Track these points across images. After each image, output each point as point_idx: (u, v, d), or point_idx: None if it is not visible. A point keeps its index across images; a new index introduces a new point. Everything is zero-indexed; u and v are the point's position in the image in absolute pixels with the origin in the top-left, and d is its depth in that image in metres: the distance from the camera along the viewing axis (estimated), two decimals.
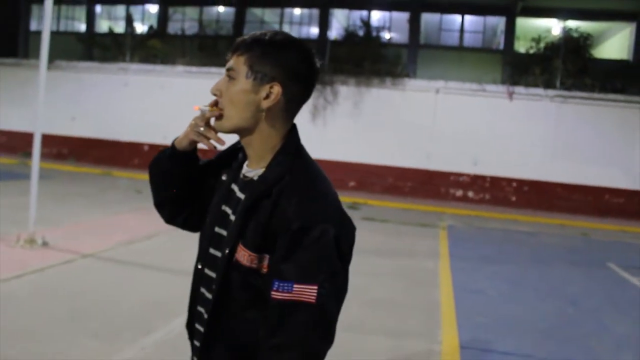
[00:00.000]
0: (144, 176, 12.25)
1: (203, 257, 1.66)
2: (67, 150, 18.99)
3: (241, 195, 1.54)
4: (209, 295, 1.58)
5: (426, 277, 7.49)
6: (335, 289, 1.40)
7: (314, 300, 1.36)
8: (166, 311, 5.13)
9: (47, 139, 16.98)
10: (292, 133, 1.53)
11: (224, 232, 1.56)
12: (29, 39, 27.17)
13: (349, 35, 19.86)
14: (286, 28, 25.68)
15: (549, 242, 11.56)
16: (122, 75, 18.75)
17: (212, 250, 1.61)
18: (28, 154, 14.84)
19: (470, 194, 16.57)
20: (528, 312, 6.28)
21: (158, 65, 18.71)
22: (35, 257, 6.58)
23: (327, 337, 1.40)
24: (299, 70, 1.47)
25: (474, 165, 16.45)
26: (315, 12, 24.69)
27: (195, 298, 1.69)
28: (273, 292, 1.38)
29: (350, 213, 1.49)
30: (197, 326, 1.65)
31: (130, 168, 18.01)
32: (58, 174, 15.15)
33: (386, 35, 22.92)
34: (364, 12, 23.15)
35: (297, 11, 25.53)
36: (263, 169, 1.50)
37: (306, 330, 1.36)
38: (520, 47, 21.67)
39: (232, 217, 1.54)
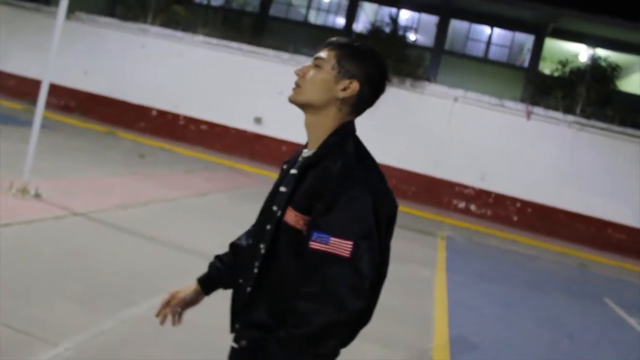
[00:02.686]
0: (148, 140, 12.06)
1: (255, 234, 1.81)
2: (75, 103, 18.72)
3: (296, 172, 1.71)
4: (254, 267, 1.70)
5: (421, 287, 7.27)
6: (369, 250, 1.51)
7: (348, 255, 1.48)
8: (150, 285, 4.91)
9: (56, 90, 16.80)
10: (350, 123, 1.73)
11: (275, 208, 1.71)
12: None
13: (375, 30, 19.52)
14: (313, 14, 25.39)
15: (547, 268, 11.34)
16: (140, 36, 18.45)
17: (268, 227, 1.72)
18: (35, 101, 14.58)
19: (473, 207, 16.33)
20: (522, 338, 6.07)
21: (179, 31, 18.39)
22: (25, 207, 6.35)
23: (358, 294, 1.48)
24: (375, 77, 1.70)
25: (480, 179, 16.19)
26: (345, 2, 24.37)
27: (243, 269, 1.80)
28: (311, 242, 1.52)
29: None
30: (247, 288, 1.72)
31: (136, 131, 17.75)
32: (62, 125, 14.92)
33: (412, 36, 22.60)
34: (393, 10, 22.84)
35: None
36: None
37: (338, 283, 1.46)
38: (545, 68, 21.37)
39: (284, 190, 1.71)
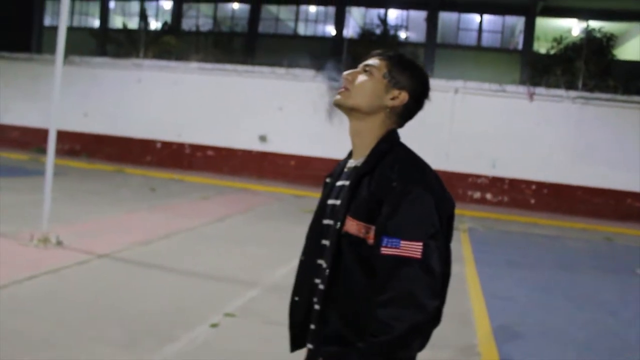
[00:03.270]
0: (157, 173, 12.04)
1: (309, 249, 1.81)
2: (80, 146, 18.79)
3: (346, 183, 1.72)
4: (319, 283, 1.69)
5: (453, 283, 7.11)
6: (437, 249, 1.53)
7: (420, 256, 1.49)
8: (187, 318, 4.85)
9: (59, 135, 16.65)
10: (396, 132, 1.77)
11: (332, 222, 1.71)
12: (42, 34, 27.07)
13: (366, 33, 19.59)
14: (301, 26, 25.42)
15: (573, 247, 11.23)
16: (135, 71, 18.52)
17: (323, 241, 1.74)
18: (40, 149, 14.67)
19: (489, 196, 16.23)
20: (564, 321, 5.96)
21: (172, 61, 18.47)
22: (48, 257, 6.32)
23: (434, 293, 1.50)
24: (419, 91, 1.76)
25: (492, 166, 16.11)
26: (331, 10, 24.41)
27: (299, 287, 1.82)
28: (382, 248, 1.52)
29: None
30: (315, 306, 1.72)
31: (143, 165, 17.79)
32: (70, 170, 14.94)
33: (403, 35, 22.58)
34: (381, 11, 22.84)
35: (312, 9, 25.24)
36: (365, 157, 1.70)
37: (413, 284, 1.48)
38: (540, 47, 21.29)
39: (338, 203, 1.71)
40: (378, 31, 19.55)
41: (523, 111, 15.98)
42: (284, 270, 6.67)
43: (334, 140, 16.64)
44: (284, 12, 25.64)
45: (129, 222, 9.03)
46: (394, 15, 23.60)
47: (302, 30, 25.42)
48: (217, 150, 17.79)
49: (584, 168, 15.58)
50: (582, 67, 16.45)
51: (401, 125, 1.79)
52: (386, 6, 23.04)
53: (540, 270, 8.58)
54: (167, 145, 18.19)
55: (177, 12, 25.92)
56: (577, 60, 16.82)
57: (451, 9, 23.17)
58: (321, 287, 1.67)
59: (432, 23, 22.80)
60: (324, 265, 1.68)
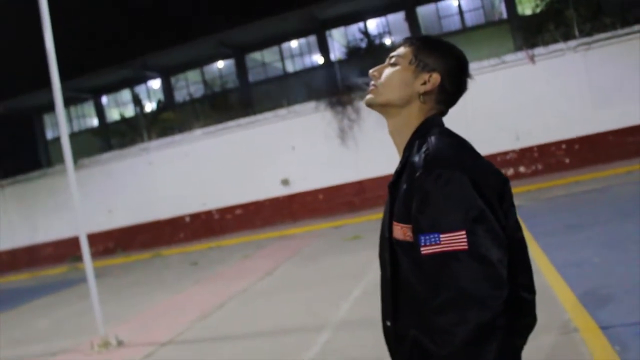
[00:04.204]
0: (193, 247, 11.92)
1: (381, 265, 1.65)
2: (112, 243, 18.86)
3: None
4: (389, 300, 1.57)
5: None
6: (487, 232, 1.32)
7: (466, 247, 1.30)
8: None
9: (90, 238, 16.83)
10: (435, 118, 1.61)
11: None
12: (48, 147, 27.59)
13: (353, 50, 19.55)
14: (289, 63, 25.53)
15: (625, 192, 10.79)
16: (144, 155, 18.64)
17: (385, 254, 1.60)
18: (77, 257, 14.69)
19: (522, 169, 15.86)
20: None
21: (176, 135, 18.54)
22: (115, 359, 6.18)
23: (494, 283, 1.30)
24: (455, 69, 1.61)
25: (516, 139, 15.77)
26: (313, 39, 24.48)
27: (385, 308, 1.64)
28: (422, 248, 1.35)
29: None
30: (387, 323, 1.60)
31: (178, 243, 17.77)
32: (110, 269, 14.94)
33: (387, 41, 22.51)
34: (360, 24, 22.83)
35: (294, 44, 25.34)
36: None
37: (466, 280, 1.29)
38: (526, 9, 21.03)
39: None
40: (363, 44, 19.49)
41: (529, 75, 15.66)
42: (347, 305, 6.46)
43: (353, 162, 16.52)
44: (269, 55, 25.76)
45: (180, 303, 8.89)
46: (373, 25, 23.58)
47: (290, 67, 25.50)
48: (245, 207, 17.71)
49: (606, 112, 15.13)
50: (573, 15, 16.13)
51: (443, 111, 1.65)
52: (364, 19, 23.04)
53: (601, 226, 8.21)
54: (195, 217, 18.17)
55: (167, 87, 26.21)
56: (566, 9, 16.51)
57: (427, 1, 23.09)
58: (389, 302, 1.56)
59: (412, 20, 22.73)
60: (387, 278, 1.57)
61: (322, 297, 7.32)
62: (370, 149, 16.24)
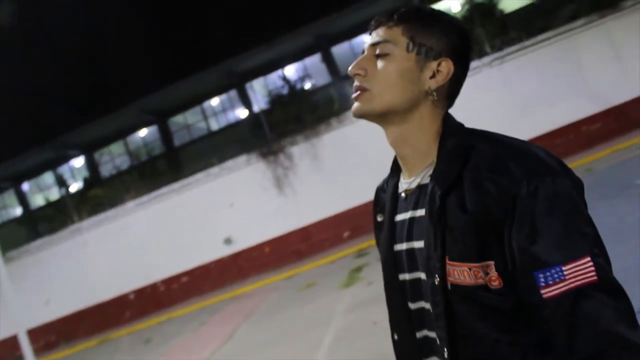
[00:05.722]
0: (143, 324, 11.16)
1: (399, 322, 1.28)
2: (54, 336, 17.69)
3: (415, 213, 1.21)
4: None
5: None
6: (604, 251, 1.05)
7: (595, 278, 1.00)
8: None
9: (30, 334, 15.79)
10: (450, 117, 1.25)
11: (421, 276, 1.19)
12: None
13: (275, 98, 19.40)
14: (212, 120, 25.26)
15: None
16: (77, 237, 17.74)
17: (412, 306, 1.24)
18: (18, 358, 13.68)
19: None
20: None
21: (108, 211, 17.78)
22: None
23: (632, 317, 1.00)
24: (460, 49, 1.22)
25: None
26: (234, 93, 24.36)
27: None
28: (542, 291, 1.02)
29: None
30: None
31: (125, 323, 16.83)
32: None
33: (308, 85, 22.61)
34: (279, 72, 22.88)
35: (215, 101, 25.14)
36: (430, 168, 1.20)
37: (608, 320, 0.98)
38: None
39: (419, 246, 1.19)
40: (285, 91, 19.42)
41: (465, 96, 15.83)
42: (322, 353, 6.15)
43: (294, 209, 16.22)
44: (191, 116, 25.43)
45: None
46: (292, 70, 23.68)
47: (214, 125, 25.23)
48: (190, 273, 17.03)
49: (531, 119, 15.09)
50: (482, 32, 16.56)
51: (449, 105, 1.26)
52: (282, 66, 23.11)
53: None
54: (140, 292, 17.31)
55: (92, 164, 25.44)
56: (475, 28, 16.96)
57: (340, 39, 23.40)
58: None
59: (328, 61, 22.97)
60: (433, 335, 1.18)
61: (294, 351, 6.90)
62: (308, 193, 16.01)
